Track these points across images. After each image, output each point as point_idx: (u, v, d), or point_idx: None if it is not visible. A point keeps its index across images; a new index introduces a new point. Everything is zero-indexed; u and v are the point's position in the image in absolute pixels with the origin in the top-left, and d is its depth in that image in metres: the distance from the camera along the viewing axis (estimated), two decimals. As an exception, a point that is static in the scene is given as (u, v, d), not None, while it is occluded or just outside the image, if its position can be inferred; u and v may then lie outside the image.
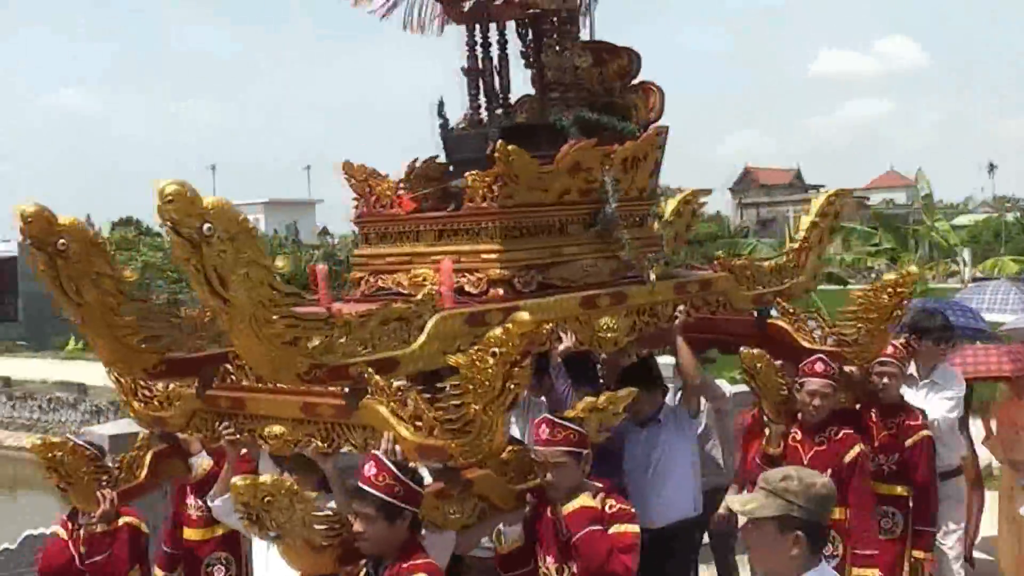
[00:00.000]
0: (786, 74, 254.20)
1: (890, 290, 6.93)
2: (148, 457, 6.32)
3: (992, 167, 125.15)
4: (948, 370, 7.89)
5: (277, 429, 5.44)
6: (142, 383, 6.02)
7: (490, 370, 4.72)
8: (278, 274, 4.69)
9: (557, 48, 6.57)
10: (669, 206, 8.05)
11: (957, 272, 30.92)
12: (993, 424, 8.68)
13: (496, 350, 4.71)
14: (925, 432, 7.07)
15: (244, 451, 6.02)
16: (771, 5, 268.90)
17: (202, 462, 6.46)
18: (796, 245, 7.55)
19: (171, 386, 5.99)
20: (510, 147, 5.76)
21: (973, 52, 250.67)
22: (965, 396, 8.11)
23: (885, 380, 7.12)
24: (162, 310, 5.59)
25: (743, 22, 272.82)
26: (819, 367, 6.58)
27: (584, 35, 6.94)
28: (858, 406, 7.27)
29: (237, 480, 4.55)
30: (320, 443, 5.30)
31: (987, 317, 11.17)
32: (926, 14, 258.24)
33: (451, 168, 6.52)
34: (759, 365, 6.56)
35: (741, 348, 6.61)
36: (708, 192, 8.08)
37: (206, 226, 4.42)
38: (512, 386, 4.77)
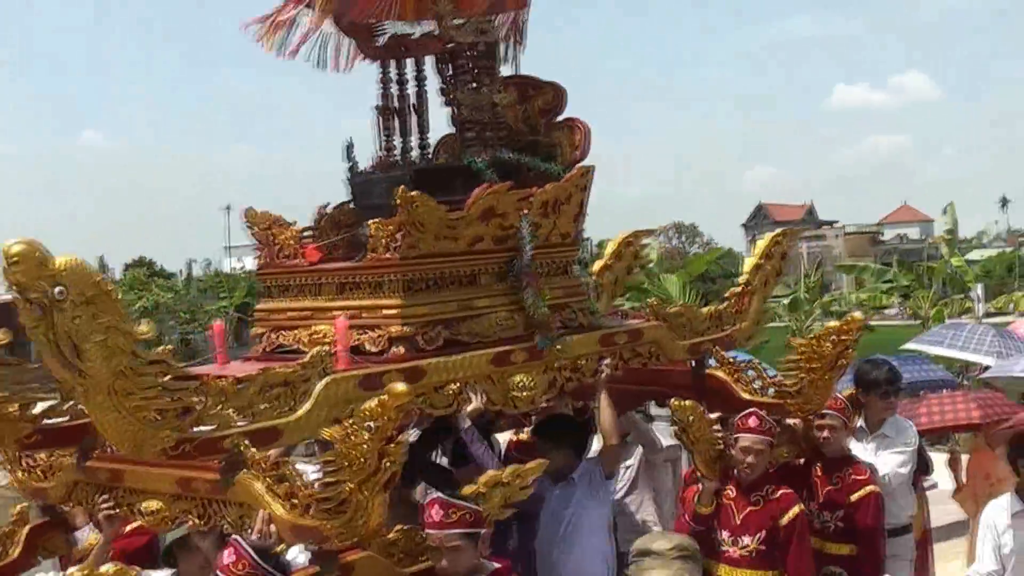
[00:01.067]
0: (802, 109, 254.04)
1: (833, 338, 6.53)
2: (23, 532, 5.86)
3: (1005, 201, 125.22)
4: (899, 422, 7.44)
5: (154, 505, 5.01)
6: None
7: (364, 446, 4.30)
8: (142, 340, 4.29)
9: (473, 84, 6.16)
10: (608, 248, 7.65)
11: (971, 308, 30.48)
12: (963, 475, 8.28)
13: (371, 424, 4.28)
14: (871, 487, 6.64)
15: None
16: (784, 42, 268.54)
17: (89, 536, 6.01)
18: (738, 289, 7.14)
19: (53, 455, 5.59)
20: (413, 193, 5.35)
21: (986, 87, 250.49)
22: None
23: (826, 433, 6.72)
24: (37, 372, 5.18)
25: (758, 58, 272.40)
26: (752, 422, 6.16)
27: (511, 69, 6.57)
28: (802, 461, 6.85)
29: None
30: (196, 520, 4.88)
31: (961, 357, 10.85)
32: (939, 50, 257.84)
33: (363, 215, 6.11)
34: (690, 417, 6.12)
35: (674, 401, 6.18)
36: (649, 233, 7.66)
37: (57, 289, 4.03)
38: (388, 464, 4.35)
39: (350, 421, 4.36)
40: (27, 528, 5.88)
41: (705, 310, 6.92)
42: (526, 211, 5.84)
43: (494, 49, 6.26)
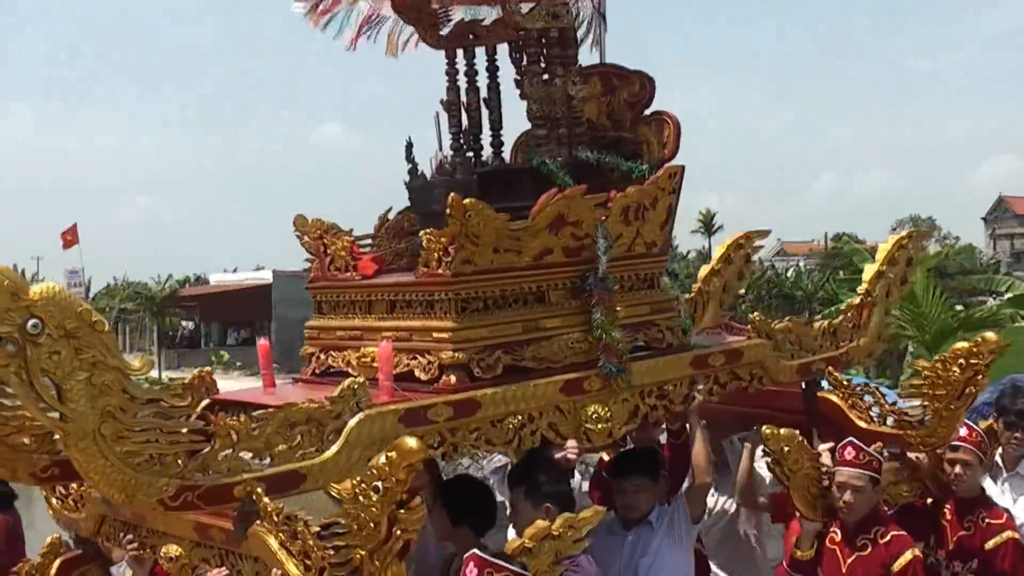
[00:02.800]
0: None
1: (962, 361, 5.70)
2: (55, 565, 5.42)
3: None
4: None
5: (174, 550, 4.49)
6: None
7: (373, 508, 3.69)
8: (135, 376, 3.78)
9: (545, 75, 5.49)
10: (716, 252, 6.91)
11: None
12: None
13: (379, 484, 3.67)
14: (1010, 533, 5.77)
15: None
16: (1020, 27, 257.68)
17: (126, 573, 5.54)
18: (856, 300, 6.33)
19: (84, 484, 5.12)
20: (467, 200, 4.71)
21: None
22: None
23: (957, 469, 5.86)
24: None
25: (993, 44, 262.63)
26: (849, 453, 5.40)
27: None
28: (929, 501, 6.03)
29: None
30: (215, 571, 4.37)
31: None
32: None
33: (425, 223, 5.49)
34: (785, 448, 5.38)
35: (765, 428, 5.44)
36: (765, 234, 6.87)
37: (31, 322, 3.53)
38: (399, 532, 3.73)
39: (358, 479, 3.76)
40: (59, 560, 5.44)
41: (817, 325, 6.14)
42: (604, 218, 5.16)
43: (569, 35, 5.57)
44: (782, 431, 5.38)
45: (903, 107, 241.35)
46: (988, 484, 6.17)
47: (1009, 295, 25.73)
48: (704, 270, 6.88)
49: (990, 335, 5.83)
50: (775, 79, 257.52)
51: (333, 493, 4.04)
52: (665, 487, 5.63)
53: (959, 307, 26.78)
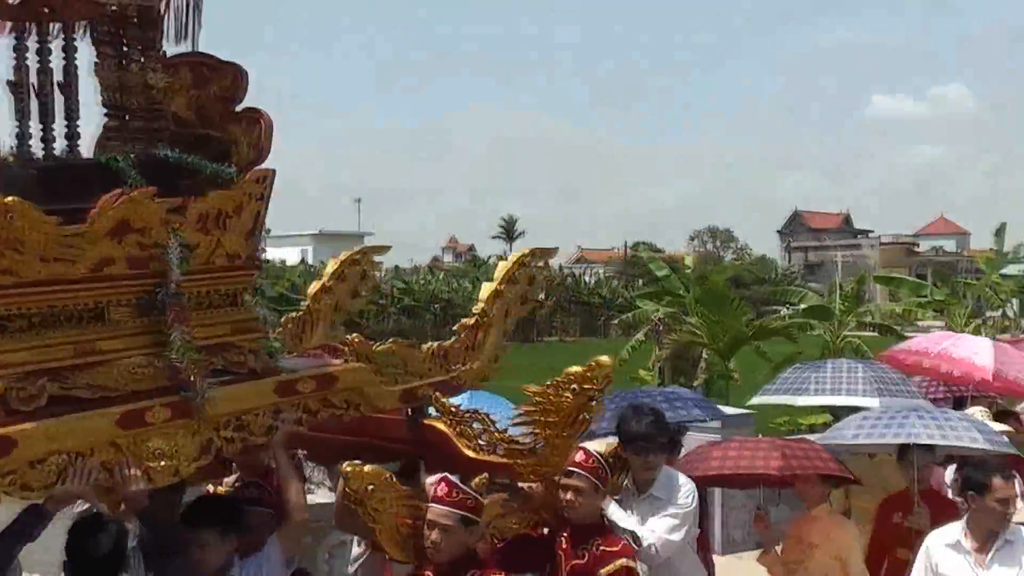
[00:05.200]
0: (840, 117, 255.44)
1: (574, 387, 5.41)
2: None
3: None
4: (673, 479, 6.29)
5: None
6: None
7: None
8: None
9: (121, 61, 4.82)
10: (329, 266, 6.40)
11: (1008, 326, 30.19)
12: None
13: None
14: (624, 561, 5.51)
15: None
16: (824, 49, 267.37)
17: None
18: (471, 321, 5.95)
19: None
20: (9, 199, 3.99)
21: None
22: None
23: (569, 496, 5.57)
24: None
25: (796, 64, 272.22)
26: (441, 490, 5.03)
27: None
28: (546, 530, 5.72)
29: None
30: None
31: (837, 403, 9.33)
32: (980, 62, 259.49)
33: None
34: (371, 487, 4.92)
35: (345, 465, 4.96)
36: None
37: None
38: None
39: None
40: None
41: (426, 347, 5.71)
42: (178, 225, 4.54)
43: (152, 16, 4.90)
44: (367, 468, 4.92)
45: (705, 120, 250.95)
46: (613, 511, 5.91)
47: (804, 306, 26.82)
48: (314, 286, 6.37)
49: (604, 358, 5.55)
50: (581, 85, 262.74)
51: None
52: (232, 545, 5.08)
53: (753, 316, 27.68)
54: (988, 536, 6.02)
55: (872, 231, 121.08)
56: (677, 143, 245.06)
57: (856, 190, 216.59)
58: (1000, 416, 9.08)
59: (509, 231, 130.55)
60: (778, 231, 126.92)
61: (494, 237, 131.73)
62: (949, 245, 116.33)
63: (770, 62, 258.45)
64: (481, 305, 5.97)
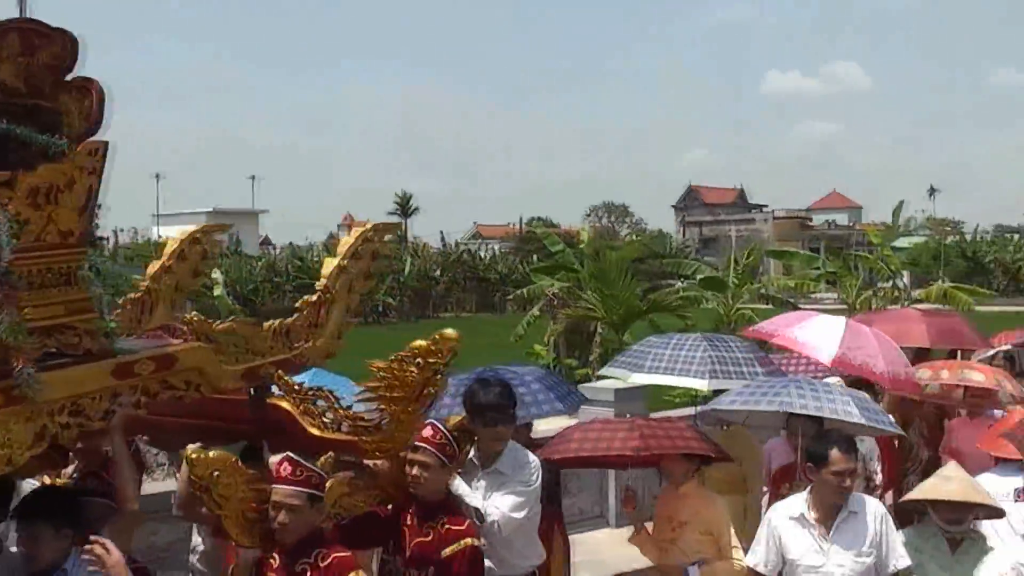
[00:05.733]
0: (735, 94, 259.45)
1: (419, 361, 5.35)
2: None
3: (933, 191, 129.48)
4: (519, 455, 6.34)
5: None
6: None
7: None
8: None
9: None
10: (168, 246, 6.18)
11: (898, 296, 30.76)
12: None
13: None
14: (469, 540, 5.55)
15: None
16: (719, 26, 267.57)
17: None
18: (313, 297, 5.82)
19: None
20: None
21: (917, 78, 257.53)
22: None
23: (415, 471, 5.58)
24: None
25: (691, 41, 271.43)
26: (286, 469, 4.96)
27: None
28: (391, 507, 5.68)
29: None
30: None
31: (671, 383, 9.36)
32: (871, 40, 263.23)
33: None
34: (217, 473, 4.81)
35: (190, 450, 4.85)
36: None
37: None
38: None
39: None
40: None
41: (267, 325, 5.55)
42: (6, 201, 4.31)
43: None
44: (211, 454, 4.81)
45: (602, 96, 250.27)
46: (459, 485, 5.88)
47: (700, 277, 26.91)
48: (153, 266, 6.14)
49: (449, 331, 5.50)
50: (471, 60, 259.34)
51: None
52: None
53: (648, 290, 27.69)
54: (832, 509, 6.12)
55: (766, 206, 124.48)
56: (574, 119, 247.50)
57: (750, 165, 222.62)
58: (855, 385, 9.22)
59: (404, 208, 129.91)
60: (673, 206, 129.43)
61: (389, 214, 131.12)
62: (842, 219, 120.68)
63: (666, 39, 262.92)
64: (324, 281, 5.85)
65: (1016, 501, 7.12)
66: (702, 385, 8.78)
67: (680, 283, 34.38)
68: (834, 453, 6.07)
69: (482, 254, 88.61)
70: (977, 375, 9.89)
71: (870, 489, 8.16)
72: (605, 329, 22.24)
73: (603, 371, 11.58)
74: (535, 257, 68.63)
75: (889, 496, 9.09)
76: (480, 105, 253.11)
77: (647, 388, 12.52)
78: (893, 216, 34.08)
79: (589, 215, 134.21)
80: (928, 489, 6.38)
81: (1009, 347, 14.18)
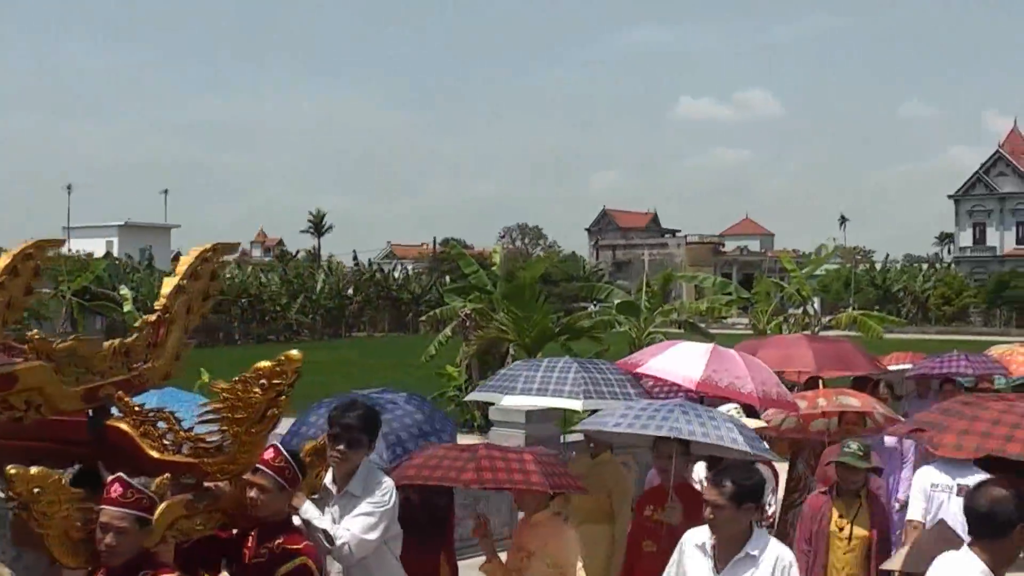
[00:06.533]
0: (648, 119, 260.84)
1: (263, 382, 5.33)
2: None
3: (844, 219, 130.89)
4: (373, 477, 6.36)
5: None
6: None
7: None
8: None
9: None
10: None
11: (808, 323, 30.99)
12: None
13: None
14: (303, 559, 5.53)
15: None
16: (633, 49, 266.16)
17: None
18: (152, 317, 5.75)
19: None
20: None
21: (828, 108, 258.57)
22: None
23: (253, 493, 5.58)
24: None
25: (605, 66, 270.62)
26: (116, 491, 4.91)
27: None
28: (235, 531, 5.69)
29: None
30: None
31: (533, 402, 9.37)
32: (783, 69, 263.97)
33: None
34: (38, 489, 4.75)
35: (10, 468, 4.76)
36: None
37: None
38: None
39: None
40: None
41: (107, 345, 5.48)
42: None
43: None
44: (32, 470, 4.75)
45: (518, 118, 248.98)
46: (307, 508, 5.88)
47: (617, 301, 27.00)
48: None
49: (294, 353, 5.48)
50: (394, 80, 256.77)
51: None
52: None
53: (562, 313, 27.60)
54: (728, 542, 5.93)
55: (679, 230, 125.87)
56: (489, 140, 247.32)
57: (664, 190, 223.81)
58: (752, 412, 9.35)
59: (318, 226, 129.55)
60: (587, 229, 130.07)
61: (303, 231, 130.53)
62: (754, 245, 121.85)
63: (579, 62, 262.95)
64: (163, 300, 5.78)
65: (958, 495, 7.43)
66: (576, 405, 8.89)
67: (593, 306, 34.64)
68: (706, 481, 6.06)
69: (396, 274, 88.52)
70: (853, 400, 10.26)
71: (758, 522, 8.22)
72: (518, 351, 22.32)
73: (472, 396, 11.51)
74: (448, 278, 68.77)
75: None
76: (395, 123, 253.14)
77: (560, 411, 12.46)
78: (817, 254, 34.63)
79: (503, 236, 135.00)
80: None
81: (893, 369, 14.61)
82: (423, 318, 40.70)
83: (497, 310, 23.67)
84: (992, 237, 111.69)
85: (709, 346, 9.65)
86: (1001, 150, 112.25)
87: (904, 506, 9.96)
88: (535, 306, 22.47)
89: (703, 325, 28.78)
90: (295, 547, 5.53)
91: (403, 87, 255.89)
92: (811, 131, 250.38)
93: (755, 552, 5.87)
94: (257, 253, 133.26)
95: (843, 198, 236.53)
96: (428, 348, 24.25)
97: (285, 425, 7.03)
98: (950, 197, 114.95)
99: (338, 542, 5.90)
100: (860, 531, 7.91)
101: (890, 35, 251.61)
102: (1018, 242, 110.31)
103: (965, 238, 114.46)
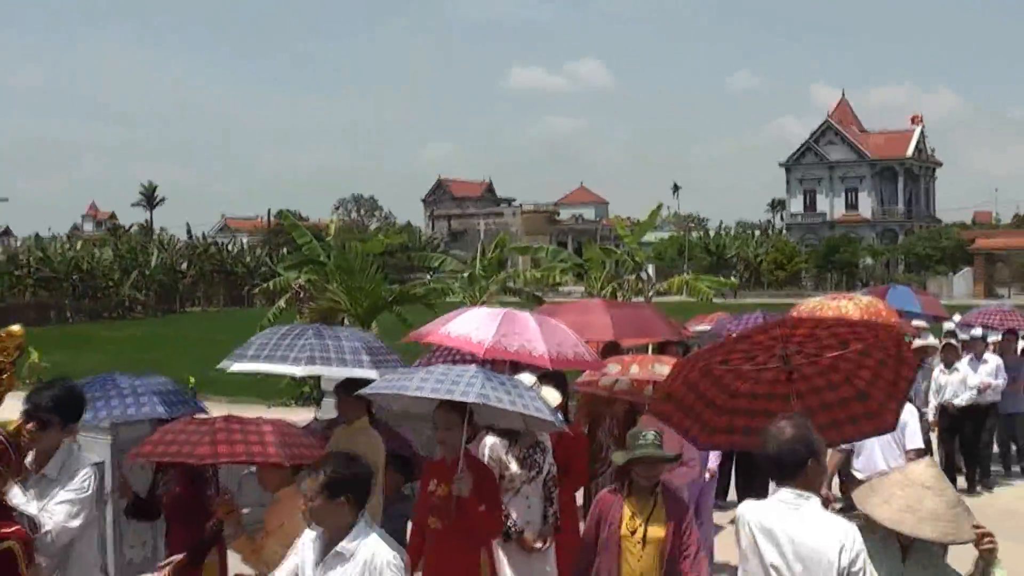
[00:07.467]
0: (480, 89, 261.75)
1: None
2: None
3: (677, 188, 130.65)
4: (75, 459, 6.13)
5: None
6: None
7: None
8: None
9: None
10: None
11: (642, 289, 30.82)
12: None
13: None
14: (7, 543, 5.24)
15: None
16: (464, 20, 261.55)
17: None
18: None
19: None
20: None
21: (659, 78, 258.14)
22: None
23: None
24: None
25: (437, 36, 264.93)
26: None
27: None
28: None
29: None
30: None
31: (266, 368, 8.97)
32: (613, 40, 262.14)
33: None
34: None
35: None
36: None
37: None
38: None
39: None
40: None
41: None
42: None
43: None
44: None
45: (351, 88, 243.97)
46: (17, 493, 5.54)
47: (450, 269, 27.56)
48: None
49: (15, 328, 5.24)
50: (225, 49, 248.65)
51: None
52: None
53: (397, 283, 27.05)
54: (331, 535, 5.50)
55: (515, 199, 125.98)
56: (323, 110, 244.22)
57: (498, 160, 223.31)
58: (561, 384, 9.05)
59: (150, 198, 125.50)
60: (423, 199, 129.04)
61: (134, 204, 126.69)
62: (589, 213, 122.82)
63: (411, 32, 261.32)
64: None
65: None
66: (297, 371, 8.86)
67: (429, 276, 34.48)
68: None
69: (230, 247, 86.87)
70: (667, 369, 9.69)
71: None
72: (352, 321, 21.72)
73: (219, 366, 11.26)
74: (284, 251, 67.83)
75: (580, 495, 9.31)
76: (227, 93, 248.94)
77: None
78: (649, 217, 35.00)
79: (338, 208, 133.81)
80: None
81: (696, 330, 14.68)
82: (257, 291, 39.94)
83: (331, 281, 23.36)
84: (822, 204, 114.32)
85: (502, 310, 9.49)
86: (830, 119, 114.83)
87: (713, 476, 9.94)
88: (368, 276, 22.27)
89: (539, 293, 28.85)
90: (6, 531, 5.24)
91: (236, 54, 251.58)
92: (643, 101, 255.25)
93: (345, 550, 5.39)
94: (89, 227, 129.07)
95: (676, 167, 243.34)
96: (262, 321, 23.88)
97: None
98: (781, 165, 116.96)
99: (43, 529, 5.67)
100: (655, 532, 6.73)
101: (719, 7, 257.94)
102: (847, 208, 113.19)
103: (796, 205, 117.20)
